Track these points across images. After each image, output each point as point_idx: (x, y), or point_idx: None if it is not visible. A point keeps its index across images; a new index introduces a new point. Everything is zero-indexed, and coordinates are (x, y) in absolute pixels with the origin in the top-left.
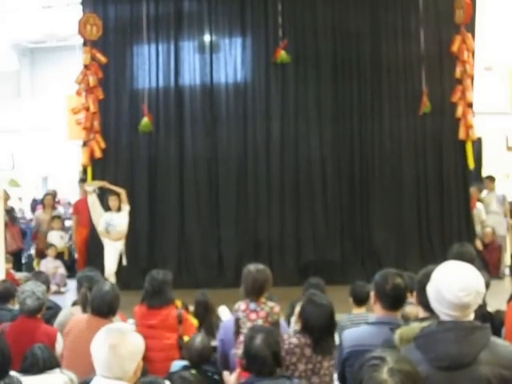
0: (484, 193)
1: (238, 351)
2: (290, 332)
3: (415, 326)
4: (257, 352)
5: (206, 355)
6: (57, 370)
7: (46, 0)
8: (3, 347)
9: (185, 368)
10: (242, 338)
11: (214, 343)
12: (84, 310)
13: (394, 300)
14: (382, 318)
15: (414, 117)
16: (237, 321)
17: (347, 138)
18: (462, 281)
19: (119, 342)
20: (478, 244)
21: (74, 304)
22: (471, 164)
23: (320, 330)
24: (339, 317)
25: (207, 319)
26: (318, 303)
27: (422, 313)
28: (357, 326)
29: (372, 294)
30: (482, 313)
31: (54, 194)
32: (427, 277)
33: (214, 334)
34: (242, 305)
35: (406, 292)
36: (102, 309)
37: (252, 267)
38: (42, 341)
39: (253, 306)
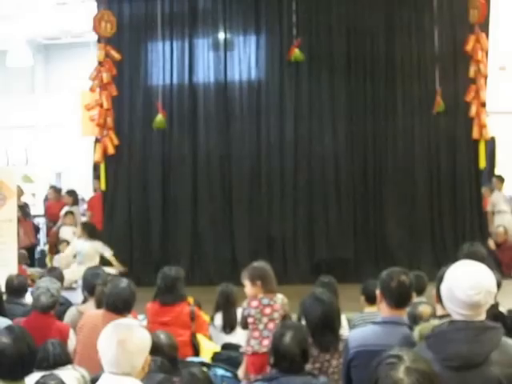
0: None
1: (248, 349)
2: None
3: (435, 323)
4: (286, 350)
5: (176, 348)
6: (69, 367)
7: None
8: (30, 343)
9: (201, 364)
10: (256, 334)
11: (232, 339)
12: (99, 307)
13: (398, 298)
14: (388, 318)
15: (427, 116)
16: (245, 318)
17: (361, 136)
18: (473, 279)
19: (127, 338)
20: (491, 243)
21: (85, 301)
22: (482, 164)
23: (315, 323)
24: (352, 315)
25: (227, 311)
26: (317, 297)
27: (440, 310)
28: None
29: (378, 292)
30: (494, 313)
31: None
32: None
33: (233, 327)
34: (253, 302)
35: (412, 290)
36: (118, 305)
37: (265, 264)
38: (54, 337)
39: (265, 300)
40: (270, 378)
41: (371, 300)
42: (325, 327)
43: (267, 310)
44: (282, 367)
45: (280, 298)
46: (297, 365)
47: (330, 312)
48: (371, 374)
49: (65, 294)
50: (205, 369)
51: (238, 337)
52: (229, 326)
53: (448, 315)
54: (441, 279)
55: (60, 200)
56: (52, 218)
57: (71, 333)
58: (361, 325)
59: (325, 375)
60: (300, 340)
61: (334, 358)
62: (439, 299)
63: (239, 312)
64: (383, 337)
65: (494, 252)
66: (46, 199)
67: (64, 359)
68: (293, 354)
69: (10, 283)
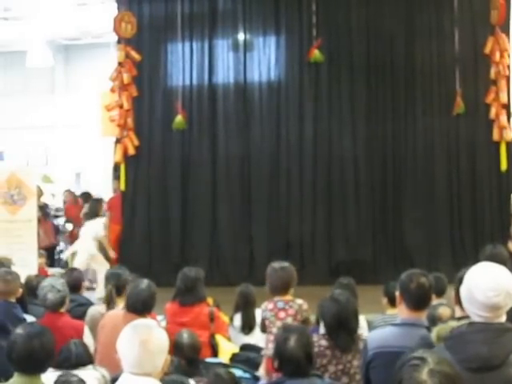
0: None
1: (267, 352)
2: (320, 333)
3: (453, 325)
4: (291, 354)
5: (197, 349)
6: (90, 367)
7: None
8: (46, 341)
9: (220, 365)
10: (271, 337)
11: (251, 340)
12: (109, 308)
13: (417, 299)
14: (407, 320)
15: (447, 117)
16: (263, 321)
17: (380, 137)
18: (493, 281)
19: (148, 338)
20: (511, 246)
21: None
22: (503, 166)
23: (330, 323)
24: (372, 317)
25: (246, 312)
26: (334, 298)
27: (459, 312)
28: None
29: (397, 294)
30: None
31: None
32: None
33: (251, 328)
34: (269, 304)
35: (431, 292)
36: (137, 306)
37: (276, 265)
38: (70, 335)
39: (281, 304)
40: (275, 382)
41: (393, 302)
42: (340, 327)
43: (281, 314)
44: (288, 371)
45: (298, 303)
46: (302, 368)
47: (346, 312)
48: (394, 375)
49: (85, 294)
50: (230, 370)
51: (257, 338)
52: (248, 327)
53: (466, 317)
54: (460, 281)
55: (77, 202)
56: (72, 219)
57: (86, 330)
58: (382, 326)
59: (347, 376)
60: (304, 343)
61: (356, 358)
62: (458, 301)
63: (258, 313)
64: (402, 338)
65: None
66: (65, 202)
67: (86, 359)
68: (298, 358)
69: (29, 283)
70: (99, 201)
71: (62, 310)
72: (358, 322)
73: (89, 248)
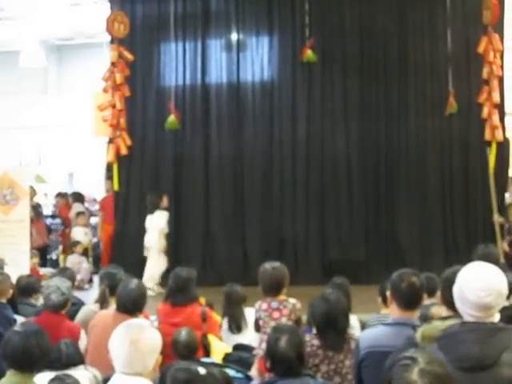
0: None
1: (259, 351)
2: (312, 333)
3: (437, 325)
4: (282, 354)
5: (193, 348)
6: (81, 367)
7: None
8: (42, 341)
9: (212, 365)
10: (265, 337)
11: (241, 339)
12: (102, 307)
13: (408, 299)
14: (399, 319)
15: (440, 117)
16: (257, 321)
17: (373, 137)
18: (484, 281)
19: (139, 338)
20: (505, 246)
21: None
22: (491, 164)
23: (319, 321)
24: (365, 316)
25: (231, 311)
26: (324, 297)
27: (445, 311)
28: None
29: (388, 293)
30: (508, 315)
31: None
32: (452, 276)
33: (239, 326)
34: (263, 304)
35: (422, 292)
36: (127, 306)
37: (267, 265)
38: (64, 337)
39: (275, 304)
40: (268, 382)
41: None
42: (329, 326)
43: (275, 314)
44: (280, 371)
45: (291, 303)
46: (294, 368)
47: (335, 311)
48: (385, 374)
49: (76, 293)
50: (224, 369)
51: (250, 337)
52: (235, 326)
53: (452, 316)
54: (446, 281)
55: (68, 203)
56: (63, 220)
57: (82, 333)
58: (377, 326)
59: (339, 376)
60: (296, 343)
61: (348, 358)
62: (444, 300)
63: (251, 312)
64: (393, 338)
65: (509, 254)
66: (56, 206)
67: (77, 359)
68: (289, 358)
69: (18, 283)
70: (158, 194)
71: (63, 312)
72: (347, 321)
73: (155, 240)
